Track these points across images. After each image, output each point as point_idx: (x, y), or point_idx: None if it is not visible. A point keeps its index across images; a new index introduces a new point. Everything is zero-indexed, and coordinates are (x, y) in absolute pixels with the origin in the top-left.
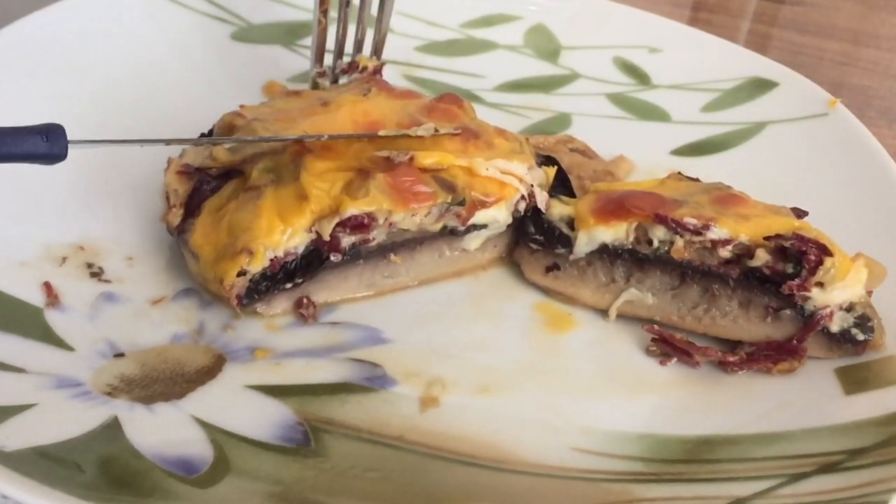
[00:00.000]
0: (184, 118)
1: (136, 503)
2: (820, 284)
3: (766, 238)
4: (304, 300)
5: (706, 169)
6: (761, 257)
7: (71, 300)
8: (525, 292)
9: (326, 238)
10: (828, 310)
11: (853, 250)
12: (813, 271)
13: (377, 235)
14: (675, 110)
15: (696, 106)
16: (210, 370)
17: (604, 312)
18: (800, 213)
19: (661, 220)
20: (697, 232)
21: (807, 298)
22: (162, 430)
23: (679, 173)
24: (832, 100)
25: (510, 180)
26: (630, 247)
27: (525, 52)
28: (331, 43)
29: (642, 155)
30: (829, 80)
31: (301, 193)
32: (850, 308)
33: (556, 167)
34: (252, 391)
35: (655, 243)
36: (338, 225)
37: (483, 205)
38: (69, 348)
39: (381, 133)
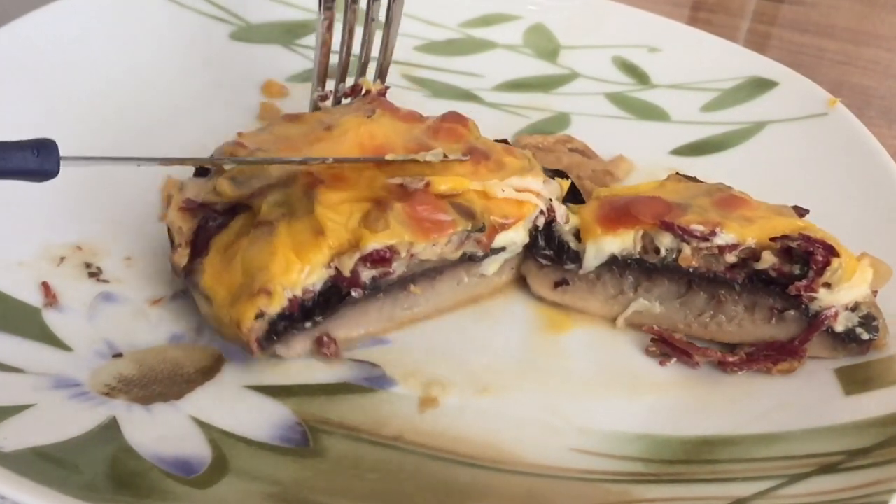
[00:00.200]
0: (182, 119)
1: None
2: (827, 285)
3: (772, 239)
4: (325, 338)
5: (706, 169)
6: (767, 260)
7: (69, 300)
8: (524, 292)
9: (347, 274)
10: (832, 310)
11: (853, 250)
12: (820, 272)
13: (398, 267)
14: (675, 110)
15: (696, 105)
16: (208, 370)
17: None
18: (801, 212)
19: (668, 227)
20: (704, 238)
21: (813, 299)
22: (160, 431)
23: (677, 173)
24: (832, 99)
25: (527, 197)
26: (638, 256)
27: (524, 51)
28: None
29: (642, 155)
30: (828, 79)
31: (317, 228)
32: (854, 308)
33: (569, 179)
34: (251, 391)
35: (663, 252)
36: (358, 260)
37: (503, 227)
38: (67, 348)
39: (388, 157)
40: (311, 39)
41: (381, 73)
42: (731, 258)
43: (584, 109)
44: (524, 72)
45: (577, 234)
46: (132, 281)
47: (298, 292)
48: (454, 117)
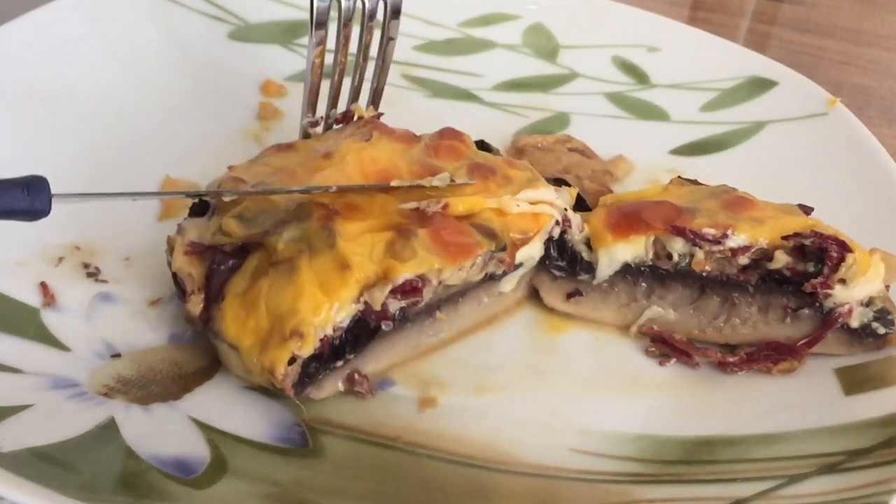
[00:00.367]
0: (181, 119)
1: None
2: (842, 281)
3: (785, 238)
4: (356, 376)
5: (705, 168)
6: (781, 259)
7: (67, 300)
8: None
9: (377, 308)
10: (846, 307)
11: None
12: (835, 268)
13: (426, 295)
14: (674, 110)
15: (696, 105)
16: (207, 371)
17: None
18: (806, 210)
19: (680, 231)
20: (716, 241)
21: (828, 296)
22: (159, 431)
23: (679, 177)
24: (832, 99)
25: (542, 208)
26: (651, 263)
27: (523, 51)
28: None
29: (641, 154)
30: (828, 79)
31: (341, 262)
32: (869, 303)
33: (576, 188)
34: (249, 391)
35: (675, 257)
36: (389, 292)
37: (523, 243)
38: (65, 349)
39: (394, 184)
40: None
41: (375, 99)
42: (743, 260)
43: (583, 109)
44: (523, 71)
45: (588, 243)
46: (131, 281)
47: (329, 331)
48: (451, 133)
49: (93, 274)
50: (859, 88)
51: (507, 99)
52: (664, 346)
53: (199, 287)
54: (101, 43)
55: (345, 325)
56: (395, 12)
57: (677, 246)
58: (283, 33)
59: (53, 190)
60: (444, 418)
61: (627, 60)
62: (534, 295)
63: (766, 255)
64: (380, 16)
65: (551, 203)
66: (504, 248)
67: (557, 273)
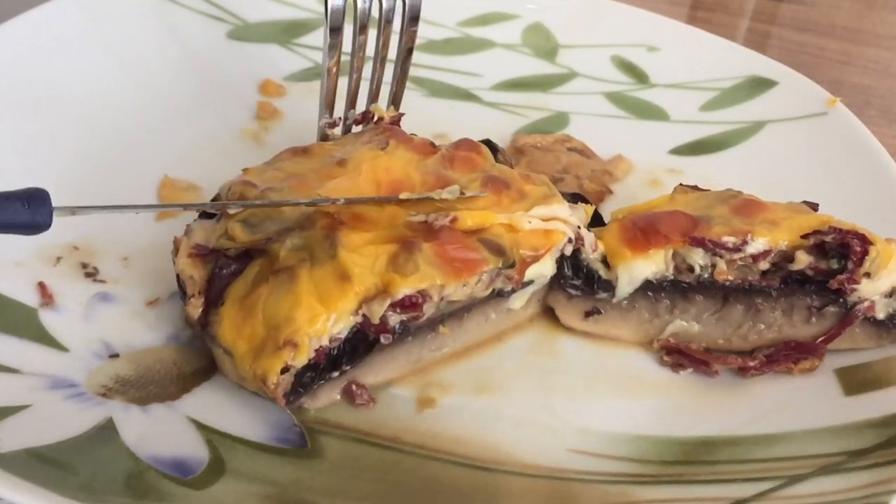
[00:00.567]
0: (180, 118)
1: None
2: (867, 274)
3: (804, 236)
4: (354, 387)
5: (705, 168)
6: (802, 260)
7: (65, 300)
8: None
9: (375, 321)
10: (866, 303)
11: None
12: (860, 262)
13: (427, 310)
14: (674, 109)
15: (695, 105)
16: (205, 371)
17: None
18: (813, 207)
19: (699, 243)
20: (737, 249)
21: (854, 291)
22: (157, 432)
23: (681, 185)
24: (832, 99)
25: (555, 225)
26: (672, 278)
27: (523, 50)
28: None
29: (640, 154)
30: (828, 78)
31: (341, 273)
32: (892, 293)
33: (593, 206)
34: (248, 392)
35: (697, 269)
36: (388, 306)
37: (533, 260)
38: (64, 349)
39: (402, 196)
40: (309, 39)
41: (395, 100)
42: (764, 265)
43: (582, 109)
44: (523, 71)
45: (604, 260)
46: (129, 281)
47: (325, 342)
48: (468, 145)
49: (91, 274)
50: (859, 88)
51: (507, 98)
52: (681, 356)
53: (200, 290)
54: (99, 42)
55: (342, 336)
56: (414, 18)
57: (697, 257)
58: (282, 33)
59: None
60: (443, 419)
61: (627, 60)
62: (546, 312)
63: (787, 256)
64: (398, 15)
65: (565, 220)
66: (512, 265)
67: (573, 292)
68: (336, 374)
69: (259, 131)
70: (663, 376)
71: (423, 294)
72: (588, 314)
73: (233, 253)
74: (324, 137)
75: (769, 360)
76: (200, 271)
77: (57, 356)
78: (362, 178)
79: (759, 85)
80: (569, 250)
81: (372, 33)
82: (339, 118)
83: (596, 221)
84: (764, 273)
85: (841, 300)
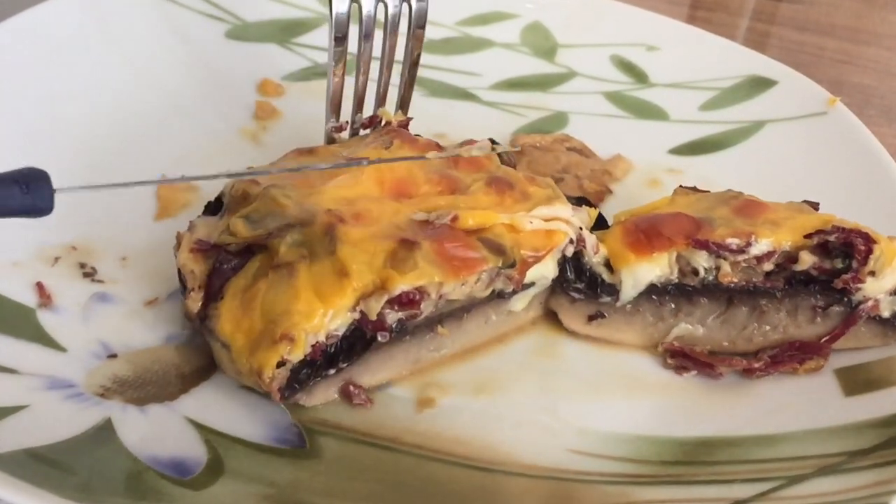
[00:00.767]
0: (178, 118)
1: None
2: (871, 273)
3: (807, 236)
4: (352, 388)
5: (704, 168)
6: (806, 260)
7: (64, 300)
8: None
9: (373, 318)
10: (870, 302)
11: None
12: (865, 261)
13: (425, 309)
14: (673, 109)
15: (695, 104)
16: (204, 371)
17: None
18: (814, 206)
19: (703, 245)
20: (741, 251)
21: (858, 290)
22: (155, 432)
23: (681, 186)
24: (831, 98)
25: (556, 225)
26: (677, 281)
27: (521, 50)
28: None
29: (640, 154)
30: (828, 78)
31: (340, 269)
32: (895, 291)
33: (596, 209)
34: (246, 392)
35: (701, 272)
36: (385, 303)
37: (535, 261)
38: (62, 349)
39: (429, 156)
40: (307, 38)
41: (403, 104)
42: (768, 266)
43: (581, 108)
44: (521, 70)
45: (607, 264)
46: (127, 281)
47: (322, 338)
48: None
49: (89, 274)
50: (859, 87)
51: (506, 98)
52: (685, 359)
53: (200, 285)
54: (97, 42)
55: (340, 333)
56: (421, 22)
57: (701, 260)
58: (281, 32)
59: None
60: (443, 419)
61: (626, 59)
62: (548, 315)
63: (790, 257)
64: (404, 18)
65: (567, 221)
66: (513, 265)
67: (576, 296)
68: (332, 371)
69: (257, 131)
70: (663, 377)
71: (421, 291)
72: (591, 318)
73: (234, 248)
74: (331, 141)
75: (774, 361)
76: (201, 266)
77: (55, 356)
78: (365, 177)
79: (759, 84)
80: (570, 251)
81: (377, 34)
82: (346, 122)
83: (600, 225)
84: (768, 274)
85: (845, 299)
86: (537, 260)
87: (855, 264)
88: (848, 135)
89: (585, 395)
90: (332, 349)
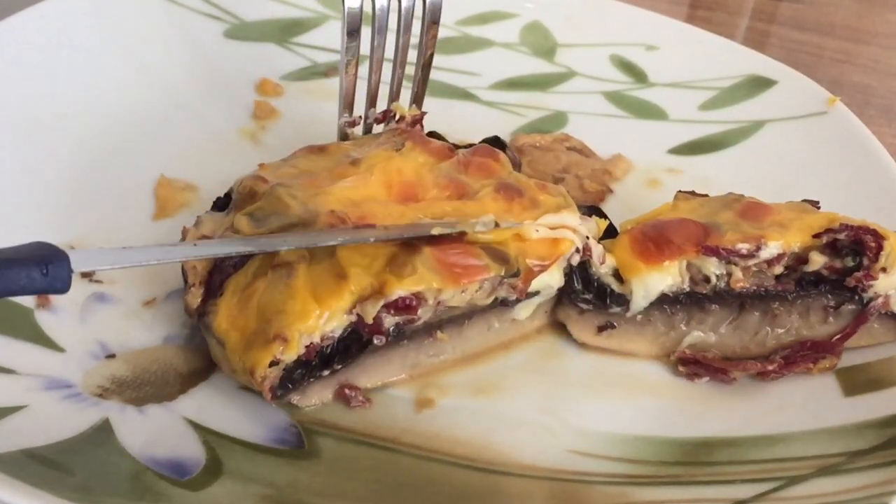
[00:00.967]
0: (176, 118)
1: None
2: (883, 269)
3: (816, 236)
4: (348, 390)
5: (704, 168)
6: (817, 261)
7: (61, 301)
8: None
9: (369, 321)
10: (880, 299)
11: None
12: (876, 257)
13: (423, 314)
14: (673, 109)
15: (694, 104)
16: (202, 371)
17: None
18: (814, 205)
19: (713, 252)
20: (751, 255)
21: (870, 287)
22: (154, 432)
23: (680, 192)
24: (831, 98)
25: (563, 233)
26: (689, 290)
27: (521, 49)
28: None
29: (639, 154)
30: (828, 77)
31: (338, 272)
32: None
33: (606, 219)
34: (245, 393)
35: (713, 279)
36: (382, 307)
37: (541, 270)
38: (60, 349)
39: (434, 232)
40: (307, 38)
41: (417, 100)
42: (778, 269)
43: (581, 108)
44: (521, 70)
45: (616, 274)
46: (125, 281)
47: (317, 339)
48: (485, 151)
49: (87, 274)
50: (859, 87)
51: (505, 98)
52: (697, 366)
53: (201, 281)
54: (95, 41)
55: (336, 335)
56: (435, 17)
57: (712, 267)
58: (280, 31)
59: (49, 192)
60: (442, 419)
61: (625, 59)
62: (554, 325)
63: (800, 258)
64: (418, 13)
65: (574, 229)
66: (516, 274)
67: (585, 307)
68: (327, 372)
69: (256, 130)
70: (662, 377)
71: (419, 297)
72: (601, 329)
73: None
74: (344, 137)
75: (787, 363)
76: (204, 262)
77: (53, 357)
78: (373, 179)
79: (759, 84)
80: (576, 260)
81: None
82: (360, 117)
83: (610, 235)
84: (778, 277)
85: (856, 297)
86: (543, 269)
87: (866, 261)
88: (848, 134)
89: (585, 396)
90: (329, 351)
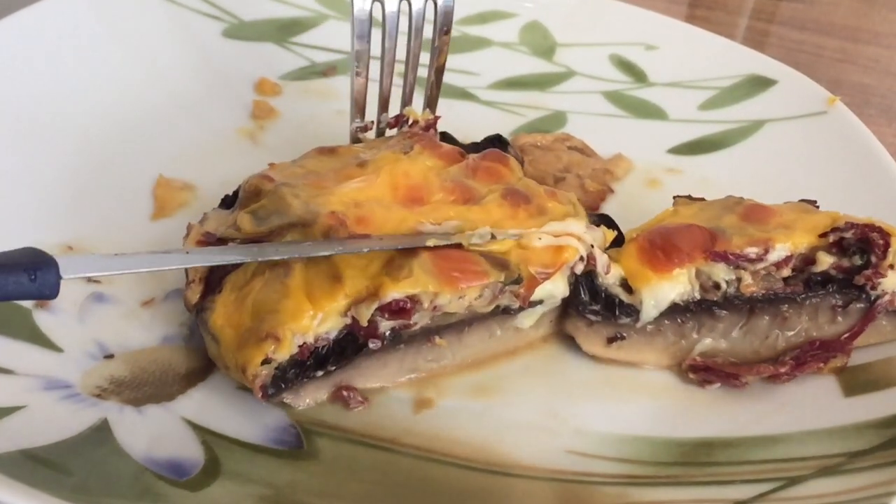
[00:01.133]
0: (175, 117)
1: None
2: (891, 266)
3: (822, 235)
4: (344, 391)
5: (703, 168)
6: (825, 261)
7: (60, 301)
8: None
9: (364, 324)
10: (887, 297)
11: None
12: (884, 254)
13: (419, 319)
14: (673, 108)
15: (694, 104)
16: (201, 372)
17: None
18: (813, 205)
19: (721, 257)
20: (759, 259)
21: (879, 284)
22: (152, 433)
23: (678, 196)
24: (831, 97)
25: (567, 241)
26: (699, 297)
27: (520, 49)
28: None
29: (639, 154)
30: (827, 77)
31: (334, 273)
32: None
33: (615, 230)
34: (243, 393)
35: (723, 286)
36: (377, 309)
37: (544, 278)
38: (58, 349)
39: (429, 244)
40: (305, 37)
41: (431, 103)
42: (786, 271)
43: (580, 108)
44: (520, 70)
45: (623, 283)
46: (124, 282)
47: (310, 339)
48: (495, 156)
49: None
50: (858, 86)
51: (504, 97)
52: (708, 373)
53: (201, 277)
54: (93, 41)
55: (331, 336)
56: (447, 20)
57: (722, 273)
58: (278, 31)
59: (47, 191)
60: (441, 420)
61: (625, 59)
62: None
63: (807, 259)
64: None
65: (579, 237)
66: (517, 281)
67: (593, 318)
68: (321, 373)
69: (255, 130)
70: (663, 379)
71: (413, 300)
72: (611, 340)
73: (238, 243)
74: (355, 141)
75: (798, 364)
76: None
77: (51, 357)
78: (379, 181)
79: (759, 84)
80: (580, 269)
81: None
82: (371, 122)
83: (618, 244)
84: (786, 279)
85: (863, 296)
86: (546, 277)
87: (874, 259)
88: (847, 134)
89: (584, 397)
90: (323, 352)
